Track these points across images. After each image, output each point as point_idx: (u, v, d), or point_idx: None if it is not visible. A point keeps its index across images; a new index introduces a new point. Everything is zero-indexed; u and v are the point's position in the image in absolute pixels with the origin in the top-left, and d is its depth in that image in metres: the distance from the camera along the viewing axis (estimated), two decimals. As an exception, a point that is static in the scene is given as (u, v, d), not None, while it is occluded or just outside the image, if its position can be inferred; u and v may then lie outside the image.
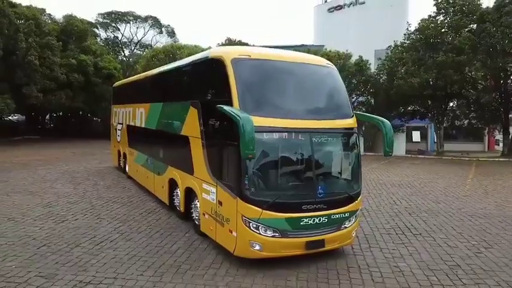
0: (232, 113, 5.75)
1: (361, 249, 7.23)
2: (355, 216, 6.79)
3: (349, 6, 44.27)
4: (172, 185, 9.14)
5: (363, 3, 42.88)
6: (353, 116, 6.92)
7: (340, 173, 6.85)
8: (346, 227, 6.59)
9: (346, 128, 6.76)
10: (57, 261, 6.40)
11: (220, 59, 6.65)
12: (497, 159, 24.91)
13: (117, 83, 17.66)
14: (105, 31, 38.42)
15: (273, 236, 6.03)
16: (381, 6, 39.92)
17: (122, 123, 14.54)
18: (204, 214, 7.27)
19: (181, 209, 8.51)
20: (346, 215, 6.52)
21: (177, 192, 8.92)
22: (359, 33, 39.15)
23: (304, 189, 6.34)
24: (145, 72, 13.68)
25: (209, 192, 7.01)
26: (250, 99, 6.23)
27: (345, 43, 34.71)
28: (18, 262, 6.31)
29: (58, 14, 73.16)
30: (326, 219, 6.29)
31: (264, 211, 5.92)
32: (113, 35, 39.02)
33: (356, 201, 6.71)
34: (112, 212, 9.48)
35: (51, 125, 36.97)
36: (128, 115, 13.58)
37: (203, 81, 7.63)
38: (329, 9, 46.36)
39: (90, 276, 5.84)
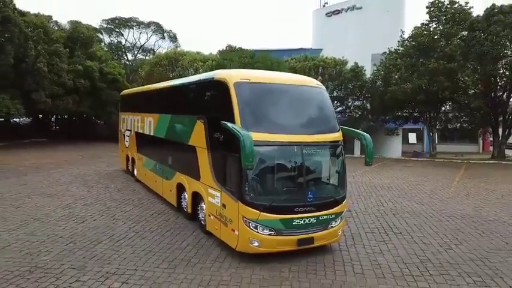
0: (234, 130, 6.81)
1: (347, 246, 8.29)
2: (341, 217, 7.85)
3: (346, 11, 45.20)
4: (180, 189, 10.20)
5: (360, 8, 43.77)
6: (339, 130, 7.98)
7: (327, 179, 7.92)
8: (332, 227, 7.64)
9: (332, 141, 7.81)
10: (84, 256, 7.46)
11: (224, 82, 7.71)
12: (486, 161, 26.01)
13: (125, 92, 18.68)
14: (109, 36, 39.54)
15: (269, 234, 7.08)
16: (377, 11, 40.81)
17: (131, 130, 15.58)
18: (209, 215, 8.33)
19: (189, 210, 9.56)
20: (332, 216, 7.57)
21: (184, 196, 9.98)
22: (356, 37, 40.04)
23: (295, 194, 7.39)
24: (154, 85, 14.72)
25: (214, 196, 8.07)
26: (249, 117, 7.27)
27: (342, 47, 35.86)
28: (51, 256, 7.37)
29: (60, 17, 74.29)
30: (315, 220, 7.34)
31: (261, 213, 6.98)
32: (116, 40, 40.12)
33: (341, 204, 7.77)
34: (126, 213, 10.54)
35: (57, 127, 38.01)
36: (137, 123, 14.64)
37: (208, 99, 8.68)
38: (327, 14, 47.30)
39: (115, 268, 6.90)
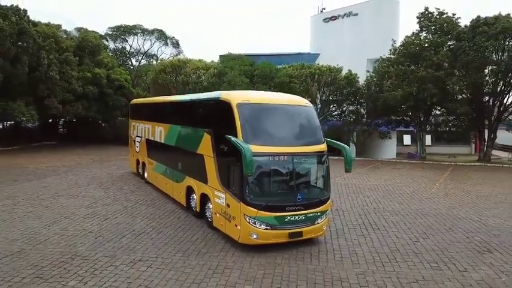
0: (237, 143, 8.39)
1: (331, 239, 9.87)
2: (325, 215, 9.42)
3: (343, 17, 46.68)
4: (189, 191, 11.77)
5: (356, 14, 45.29)
6: (324, 142, 9.56)
7: (314, 183, 9.50)
8: (318, 223, 9.21)
9: (318, 151, 9.37)
10: (112, 246, 9.03)
11: (228, 102, 9.28)
12: (472, 163, 27.59)
13: (135, 101, 20.22)
14: (114, 42, 41.17)
15: (265, 229, 8.65)
16: (372, 18, 42.36)
17: (141, 137, 17.15)
18: (215, 213, 9.90)
19: (197, 209, 11.12)
20: (318, 214, 9.14)
21: (193, 197, 11.54)
22: (353, 42, 41.53)
23: (287, 196, 8.97)
24: (165, 98, 16.30)
25: (220, 198, 9.64)
26: (249, 132, 8.82)
27: (339, 51, 37.51)
28: (86, 247, 8.94)
29: (60, 18, 75.79)
30: (303, 217, 8.91)
31: (259, 211, 8.55)
32: (121, 46, 41.76)
33: (326, 204, 9.34)
34: (141, 212, 12.11)
35: (64, 130, 39.56)
36: (147, 131, 16.20)
37: (215, 115, 10.25)
38: (324, 19, 48.83)
39: (139, 256, 8.46)
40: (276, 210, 8.69)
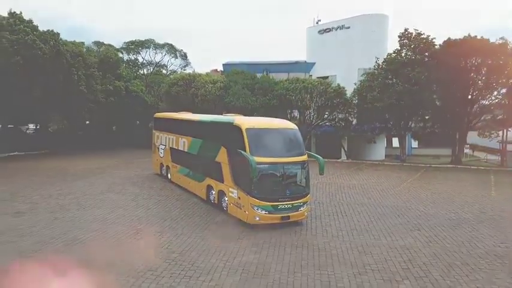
0: (246, 155, 12.58)
1: (310, 222, 14.06)
2: (306, 205, 13.62)
3: (336, 30, 50.73)
4: (209, 188, 15.96)
5: (348, 27, 49.38)
6: (305, 154, 13.75)
7: (298, 183, 13.69)
8: (301, 210, 13.40)
9: (301, 161, 13.54)
10: (160, 226, 13.23)
11: (239, 126, 13.47)
12: (445, 165, 31.78)
13: (158, 114, 24.39)
14: (128, 54, 45.49)
15: (265, 213, 12.83)
16: (364, 31, 46.35)
17: (165, 145, 21.32)
18: (230, 204, 14.10)
19: (216, 202, 15.31)
20: (301, 204, 13.33)
21: (212, 192, 15.73)
22: (345, 53, 45.56)
23: (279, 191, 13.13)
24: (187, 115, 20.49)
25: (233, 193, 13.83)
26: (254, 147, 12.98)
27: (333, 61, 41.80)
28: (142, 226, 13.11)
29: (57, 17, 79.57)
30: (290, 206, 13.10)
31: (261, 202, 12.73)
32: (134, 57, 46.13)
33: (306, 197, 13.54)
34: (173, 204, 16.31)
35: (81, 134, 43.61)
36: (171, 140, 20.39)
37: (229, 134, 14.43)
38: (319, 31, 53.00)
39: (180, 232, 12.65)
40: (272, 201, 12.85)
